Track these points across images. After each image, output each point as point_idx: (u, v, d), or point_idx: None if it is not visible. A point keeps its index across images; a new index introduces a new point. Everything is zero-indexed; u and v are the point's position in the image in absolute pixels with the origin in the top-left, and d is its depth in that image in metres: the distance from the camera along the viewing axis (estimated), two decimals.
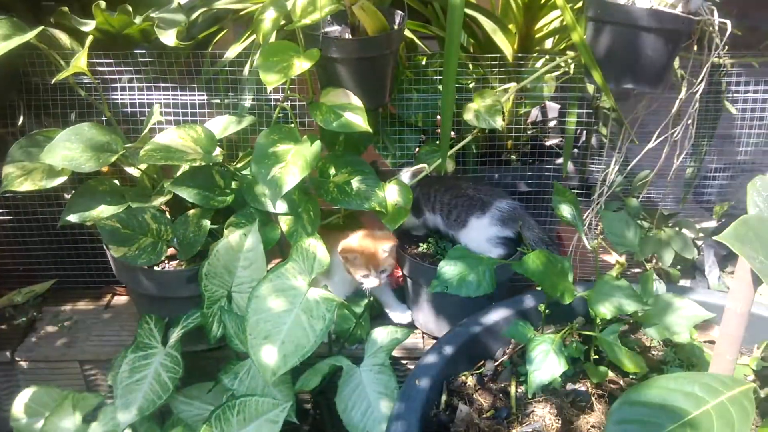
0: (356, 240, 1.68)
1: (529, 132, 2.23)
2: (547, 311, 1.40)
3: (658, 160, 1.80)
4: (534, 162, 2.03)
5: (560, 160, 2.07)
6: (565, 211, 1.38)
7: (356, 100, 1.62)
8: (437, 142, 1.91)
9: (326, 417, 1.76)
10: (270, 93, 1.82)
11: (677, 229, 1.78)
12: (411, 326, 1.85)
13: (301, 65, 1.50)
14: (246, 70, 1.85)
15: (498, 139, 2.09)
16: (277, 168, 1.55)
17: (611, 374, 1.42)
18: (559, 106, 2.30)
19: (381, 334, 1.58)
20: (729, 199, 1.93)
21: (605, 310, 1.27)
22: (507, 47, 1.88)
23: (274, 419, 1.44)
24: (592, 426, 1.31)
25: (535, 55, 1.95)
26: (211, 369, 1.78)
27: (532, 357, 1.23)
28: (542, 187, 1.97)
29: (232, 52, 1.83)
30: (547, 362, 1.21)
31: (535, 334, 1.37)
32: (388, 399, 1.49)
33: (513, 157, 2.14)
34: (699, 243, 1.84)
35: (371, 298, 1.81)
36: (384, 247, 1.64)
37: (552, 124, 2.33)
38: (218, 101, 1.85)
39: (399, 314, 1.85)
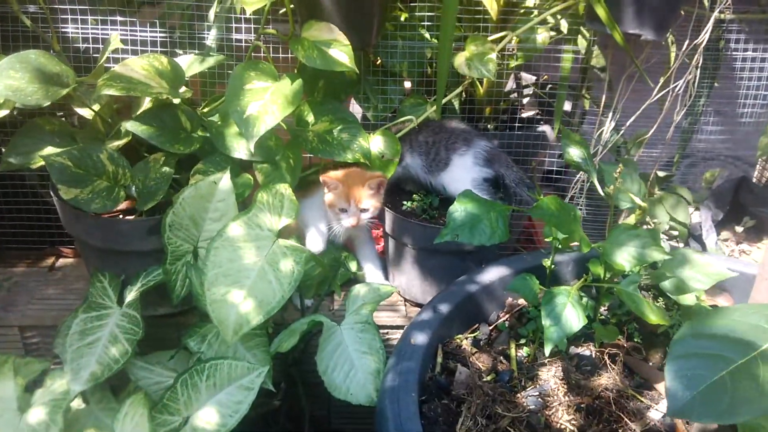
0: (342, 170, 1.54)
1: (507, 99, 2.12)
2: (552, 266, 1.28)
3: (649, 124, 1.72)
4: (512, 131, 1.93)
5: (542, 128, 1.97)
6: (575, 154, 1.26)
7: (342, 36, 1.47)
8: (424, 94, 1.77)
9: (301, 391, 1.60)
10: (242, 31, 1.66)
11: (672, 192, 1.69)
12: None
13: None
14: (212, 11, 1.67)
15: (477, 106, 1.97)
16: (254, 106, 1.38)
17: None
18: (535, 77, 2.21)
19: (362, 290, 1.44)
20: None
21: (623, 260, 1.15)
22: (491, 3, 1.76)
23: (249, 385, 1.28)
24: (605, 388, 1.20)
25: (522, 11, 1.83)
26: (173, 337, 1.60)
27: (548, 311, 1.10)
28: (523, 155, 1.87)
29: None
30: (564, 316, 1.09)
31: (542, 290, 1.25)
32: (372, 359, 1.34)
33: (489, 126, 2.03)
34: (691, 208, 1.76)
35: (343, 256, 1.67)
36: (371, 182, 1.50)
37: (527, 96, 2.24)
38: (180, 39, 1.67)
39: (379, 274, 1.71)
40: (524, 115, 2.15)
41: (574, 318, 1.09)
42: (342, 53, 1.45)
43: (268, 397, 1.52)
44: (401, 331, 1.66)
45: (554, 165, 2.21)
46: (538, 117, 2.09)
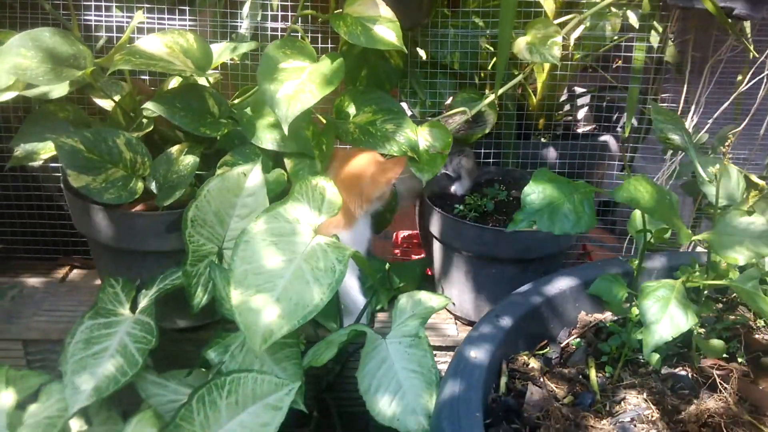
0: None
1: (562, 111, 1.95)
2: (642, 266, 1.07)
3: (727, 123, 1.52)
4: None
5: (603, 137, 1.79)
6: (673, 134, 1.06)
7: (389, 12, 1.31)
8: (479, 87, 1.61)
9: (336, 421, 1.39)
10: (278, 20, 1.52)
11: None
12: None
13: None
14: (247, 5, 1.54)
15: (531, 113, 1.80)
16: (290, 85, 1.22)
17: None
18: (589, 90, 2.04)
19: (410, 301, 1.24)
20: None
21: (737, 254, 0.94)
22: (548, 2, 1.60)
23: (277, 404, 1.08)
24: (714, 413, 0.97)
25: (582, 6, 1.66)
26: (192, 355, 1.41)
27: (647, 307, 0.89)
28: (588, 167, 1.68)
29: None
30: (668, 313, 0.88)
31: (630, 293, 1.04)
32: (423, 380, 1.13)
33: (543, 139, 1.86)
34: None
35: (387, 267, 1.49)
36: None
37: (582, 111, 2.06)
38: (212, 29, 1.54)
39: None
40: (580, 130, 1.98)
41: (680, 316, 0.87)
42: (389, 30, 1.30)
43: (298, 426, 1.32)
44: (451, 353, 1.46)
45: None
46: (596, 131, 1.92)
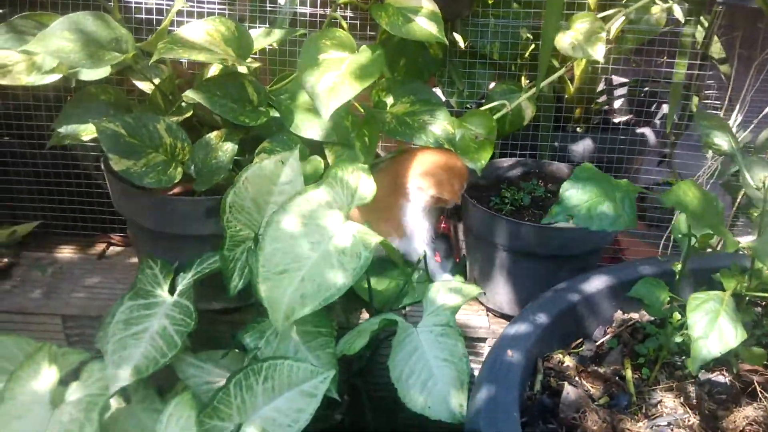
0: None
1: (599, 101, 1.92)
2: (684, 270, 1.06)
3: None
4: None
5: (640, 130, 1.76)
6: (719, 139, 1.05)
7: (431, 3, 1.30)
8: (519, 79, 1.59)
9: (366, 404, 1.41)
10: (317, 5, 1.51)
11: None
12: None
13: None
14: None
15: (566, 103, 1.78)
16: (329, 77, 1.22)
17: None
18: (628, 80, 2.02)
19: (441, 289, 1.23)
20: None
21: None
22: None
23: (312, 392, 1.09)
24: (753, 421, 0.97)
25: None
26: (227, 337, 1.43)
27: (694, 321, 0.88)
28: (626, 163, 1.66)
29: None
30: (717, 328, 0.87)
31: (672, 297, 1.03)
32: (454, 369, 1.13)
33: (579, 129, 1.84)
34: None
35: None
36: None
37: (620, 100, 2.04)
38: (251, 13, 1.53)
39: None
40: (617, 120, 1.96)
41: (729, 332, 0.87)
42: (431, 23, 1.28)
43: (329, 409, 1.33)
44: (482, 344, 1.46)
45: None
46: (633, 122, 1.90)
